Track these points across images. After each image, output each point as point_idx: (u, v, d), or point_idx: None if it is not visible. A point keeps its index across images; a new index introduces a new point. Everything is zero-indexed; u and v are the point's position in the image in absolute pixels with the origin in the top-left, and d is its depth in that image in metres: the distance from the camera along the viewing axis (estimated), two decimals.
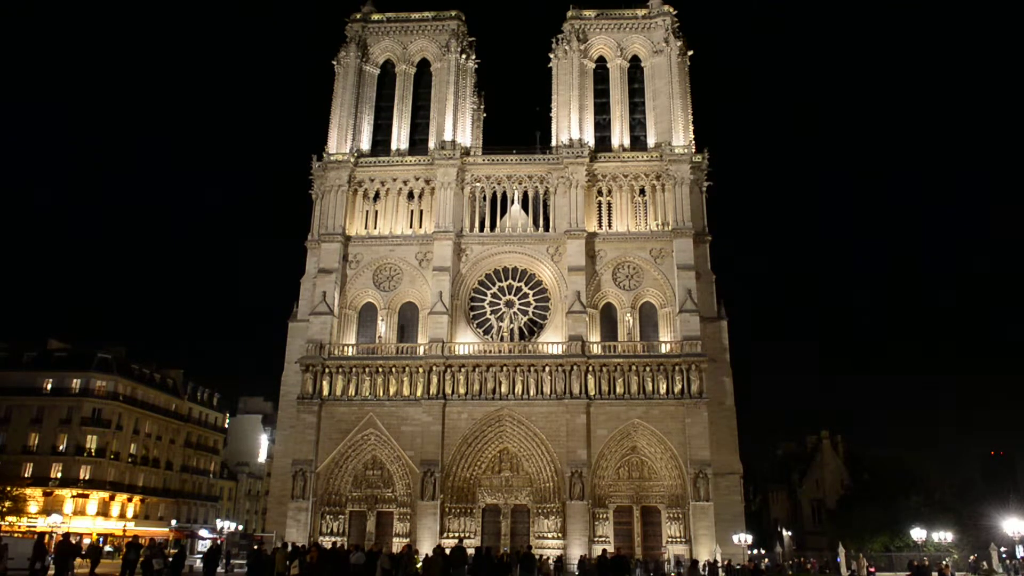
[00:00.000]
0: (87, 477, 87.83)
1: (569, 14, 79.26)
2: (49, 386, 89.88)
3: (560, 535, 62.88)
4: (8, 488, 75.32)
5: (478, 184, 74.60)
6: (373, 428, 66.37)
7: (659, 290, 70.10)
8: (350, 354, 69.15)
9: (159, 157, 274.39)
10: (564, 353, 66.82)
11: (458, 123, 76.19)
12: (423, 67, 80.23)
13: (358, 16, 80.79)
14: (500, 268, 73.03)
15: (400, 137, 77.91)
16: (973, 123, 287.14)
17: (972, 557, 73.44)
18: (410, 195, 75.06)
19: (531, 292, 72.47)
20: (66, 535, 50.46)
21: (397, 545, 59.06)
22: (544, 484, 65.19)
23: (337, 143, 75.90)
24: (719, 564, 55.42)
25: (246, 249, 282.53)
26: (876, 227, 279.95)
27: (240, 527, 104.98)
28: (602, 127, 76.98)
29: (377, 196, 75.13)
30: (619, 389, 65.88)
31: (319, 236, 73.55)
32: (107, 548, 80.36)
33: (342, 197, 73.68)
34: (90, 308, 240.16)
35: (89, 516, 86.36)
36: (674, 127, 74.40)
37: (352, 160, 74.50)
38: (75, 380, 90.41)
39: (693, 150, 74.50)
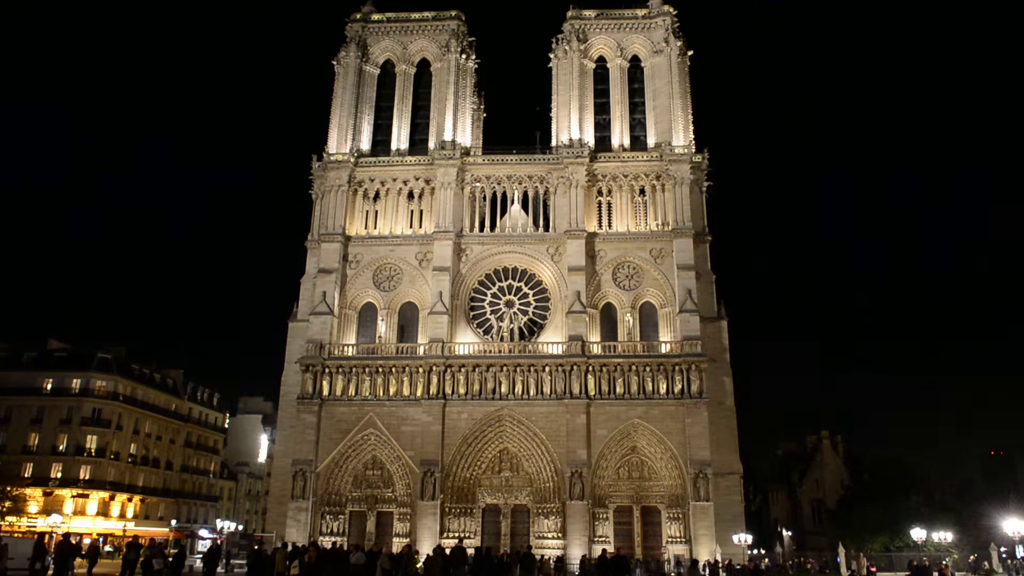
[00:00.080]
0: (87, 477, 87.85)
1: (569, 14, 79.25)
2: (49, 386, 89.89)
3: (560, 535, 62.88)
4: (8, 488, 75.34)
5: (478, 184, 74.61)
6: (373, 428, 66.37)
7: (659, 290, 70.10)
8: (350, 354, 69.15)
9: (159, 157, 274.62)
10: (564, 353, 66.82)
11: (458, 123, 76.19)
12: (423, 67, 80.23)
13: (358, 16, 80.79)
14: (500, 268, 73.03)
15: (400, 137, 77.92)
16: (973, 123, 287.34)
17: (972, 557, 73.46)
18: (410, 195, 75.07)
19: (531, 292, 72.47)
20: (66, 535, 50.45)
21: (397, 545, 59.05)
22: (544, 484, 65.19)
23: (337, 143, 75.91)
24: (720, 564, 55.42)
25: (246, 249, 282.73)
26: (876, 227, 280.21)
27: (240, 527, 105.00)
28: (602, 127, 76.97)
29: (377, 196, 75.14)
30: (619, 389, 65.88)
31: (319, 236, 73.56)
32: (107, 548, 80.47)
33: (342, 197, 73.69)
34: (90, 308, 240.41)
35: (89, 516, 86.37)
36: (674, 127, 74.40)
37: (352, 160, 74.50)
38: (75, 380, 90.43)
39: (693, 150, 74.50)
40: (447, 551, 36.73)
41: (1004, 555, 66.66)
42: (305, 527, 63.43)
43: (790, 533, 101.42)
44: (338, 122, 76.65)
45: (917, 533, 71.11)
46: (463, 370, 67.10)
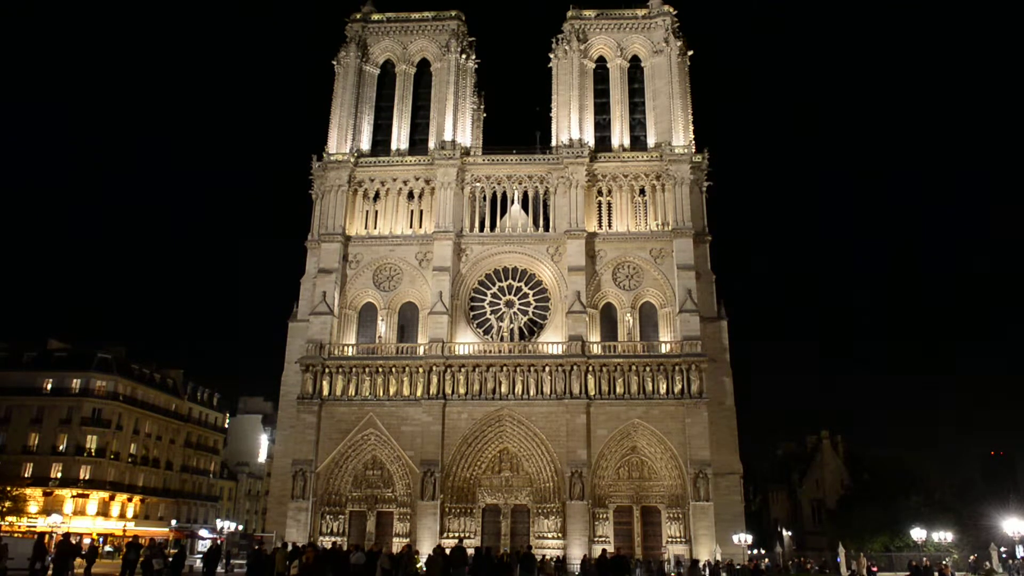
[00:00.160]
0: (87, 477, 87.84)
1: (569, 14, 79.25)
2: (49, 386, 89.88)
3: (560, 535, 62.89)
4: (8, 488, 75.34)
5: (478, 184, 74.61)
6: (373, 428, 66.37)
7: (659, 290, 70.10)
8: (350, 354, 69.15)
9: (159, 157, 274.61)
10: (564, 353, 66.82)
11: (458, 123, 76.20)
12: (423, 67, 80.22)
13: (358, 16, 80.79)
14: (500, 268, 73.03)
15: (400, 137, 77.92)
16: (973, 123, 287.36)
17: (972, 557, 73.48)
18: (410, 195, 75.07)
19: (531, 292, 72.47)
20: (66, 535, 50.44)
21: (397, 545, 59.02)
22: (544, 484, 65.19)
23: (337, 143, 75.91)
24: (721, 564, 55.43)
25: (246, 249, 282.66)
26: (876, 227, 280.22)
27: (240, 527, 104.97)
28: (602, 127, 76.98)
29: (377, 196, 75.14)
30: (619, 389, 65.89)
31: (319, 236, 73.56)
32: (107, 548, 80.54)
33: (342, 197, 73.69)
34: (90, 308, 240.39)
35: (89, 516, 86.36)
36: (674, 127, 74.40)
37: (352, 160, 74.50)
38: (75, 380, 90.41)
39: (693, 150, 74.51)
40: (447, 551, 36.72)
41: (1004, 555, 66.66)
42: (305, 527, 63.43)
43: (790, 533, 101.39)
44: (338, 122, 76.66)
45: (917, 533, 71.11)
46: (463, 370, 67.10)
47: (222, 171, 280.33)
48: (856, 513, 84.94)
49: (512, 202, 74.45)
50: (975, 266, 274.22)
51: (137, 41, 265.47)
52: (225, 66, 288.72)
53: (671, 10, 78.76)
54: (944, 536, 71.92)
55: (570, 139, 74.19)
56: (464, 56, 78.81)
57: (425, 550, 51.51)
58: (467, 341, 69.72)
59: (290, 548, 40.00)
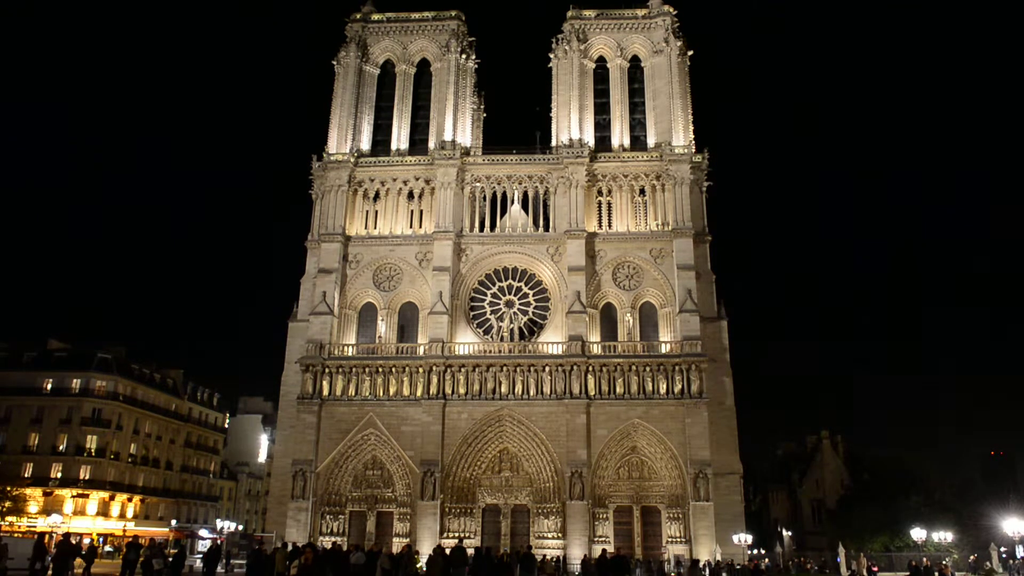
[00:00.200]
0: (87, 477, 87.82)
1: (569, 14, 79.26)
2: (49, 386, 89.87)
3: (560, 535, 62.90)
4: (8, 488, 75.32)
5: (478, 184, 74.61)
6: (373, 428, 66.38)
7: (659, 290, 70.11)
8: (350, 354, 69.16)
9: (159, 157, 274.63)
10: (564, 353, 66.82)
11: (458, 123, 76.20)
12: (423, 67, 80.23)
13: (358, 16, 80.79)
14: (500, 268, 73.04)
15: (400, 137, 77.93)
16: (973, 123, 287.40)
17: (972, 557, 73.48)
18: (410, 195, 75.08)
19: (531, 292, 72.47)
20: (66, 535, 50.44)
21: (397, 545, 59.03)
22: (544, 484, 65.20)
23: (337, 143, 75.92)
24: (722, 564, 55.43)
25: (246, 249, 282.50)
26: (876, 227, 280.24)
27: (240, 527, 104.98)
28: (602, 127, 76.99)
29: (377, 196, 75.15)
30: (619, 389, 65.89)
31: (319, 236, 73.57)
32: (107, 548, 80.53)
33: (342, 197, 73.70)
34: (90, 308, 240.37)
35: (89, 516, 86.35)
36: (674, 127, 74.41)
37: (352, 160, 74.51)
38: (75, 380, 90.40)
39: (693, 150, 74.52)
40: (447, 551, 36.72)
41: (1004, 555, 66.65)
42: (305, 527, 63.43)
43: (790, 533, 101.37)
44: (338, 122, 76.67)
45: (917, 533, 71.10)
46: (463, 370, 67.11)
47: (222, 171, 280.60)
48: (856, 513, 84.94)
49: (512, 202, 74.45)
50: (975, 266, 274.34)
51: (137, 41, 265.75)
52: (225, 66, 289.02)
53: (671, 10, 78.77)
54: (944, 536, 71.91)
55: (570, 139, 74.19)
56: (464, 56, 78.81)
57: (425, 550, 51.54)
58: (467, 341, 69.72)
59: (290, 548, 39.97)
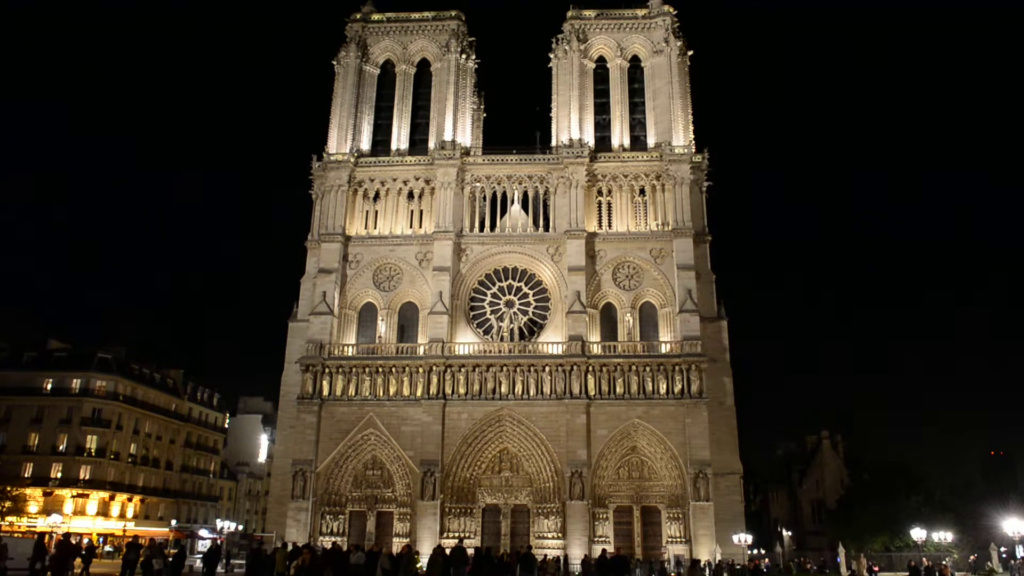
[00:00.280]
0: (87, 477, 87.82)
1: (569, 14, 79.26)
2: (49, 386, 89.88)
3: (560, 535, 62.91)
4: (8, 488, 75.30)
5: (478, 184, 74.63)
6: (373, 428, 66.38)
7: (659, 290, 70.12)
8: (350, 354, 69.16)
9: (159, 157, 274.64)
10: (564, 353, 66.83)
11: (458, 123, 76.21)
12: (423, 67, 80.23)
13: (358, 16, 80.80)
14: (500, 268, 73.05)
15: (400, 137, 77.93)
16: (973, 123, 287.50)
17: (972, 557, 73.49)
18: (410, 195, 75.09)
19: (531, 292, 72.48)
20: (66, 535, 50.47)
21: (397, 545, 59.03)
22: (544, 484, 65.20)
23: (337, 143, 75.93)
24: (722, 564, 55.44)
25: (246, 249, 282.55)
26: (876, 226, 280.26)
27: (240, 527, 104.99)
28: (602, 127, 77.00)
29: (377, 196, 75.15)
30: (619, 389, 65.90)
31: (319, 236, 73.58)
32: (107, 548, 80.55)
33: (342, 197, 73.71)
34: (90, 308, 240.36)
35: (89, 516, 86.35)
36: (674, 127, 74.42)
37: (352, 160, 74.51)
38: (75, 380, 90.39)
39: (693, 150, 74.53)
40: (447, 551, 36.74)
41: (1004, 555, 66.64)
42: (305, 527, 63.44)
43: (790, 533, 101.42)
44: (338, 122, 76.67)
45: (917, 533, 71.08)
46: (463, 370, 67.12)
47: (222, 171, 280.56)
48: (856, 513, 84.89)
49: (512, 202, 74.46)
50: (975, 266, 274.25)
51: (137, 41, 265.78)
52: (225, 66, 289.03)
53: (671, 10, 78.78)
54: (944, 536, 71.90)
55: (570, 139, 74.20)
56: (464, 56, 78.82)
57: (425, 550, 51.58)
58: (467, 341, 69.73)
59: (290, 548, 40.05)
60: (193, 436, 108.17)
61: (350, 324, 71.51)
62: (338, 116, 76.86)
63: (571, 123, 74.98)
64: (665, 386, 65.46)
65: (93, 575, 39.97)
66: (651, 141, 75.36)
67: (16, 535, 66.70)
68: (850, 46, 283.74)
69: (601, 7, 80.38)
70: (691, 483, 62.61)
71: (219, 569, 45.64)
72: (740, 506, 67.45)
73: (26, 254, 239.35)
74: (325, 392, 67.25)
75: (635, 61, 79.07)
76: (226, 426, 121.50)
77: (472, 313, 72.11)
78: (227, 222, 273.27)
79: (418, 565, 45.62)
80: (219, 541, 74.75)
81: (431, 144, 76.05)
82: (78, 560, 39.28)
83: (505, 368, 67.05)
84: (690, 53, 78.76)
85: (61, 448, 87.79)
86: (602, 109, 77.50)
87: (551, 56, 78.68)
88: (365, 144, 77.28)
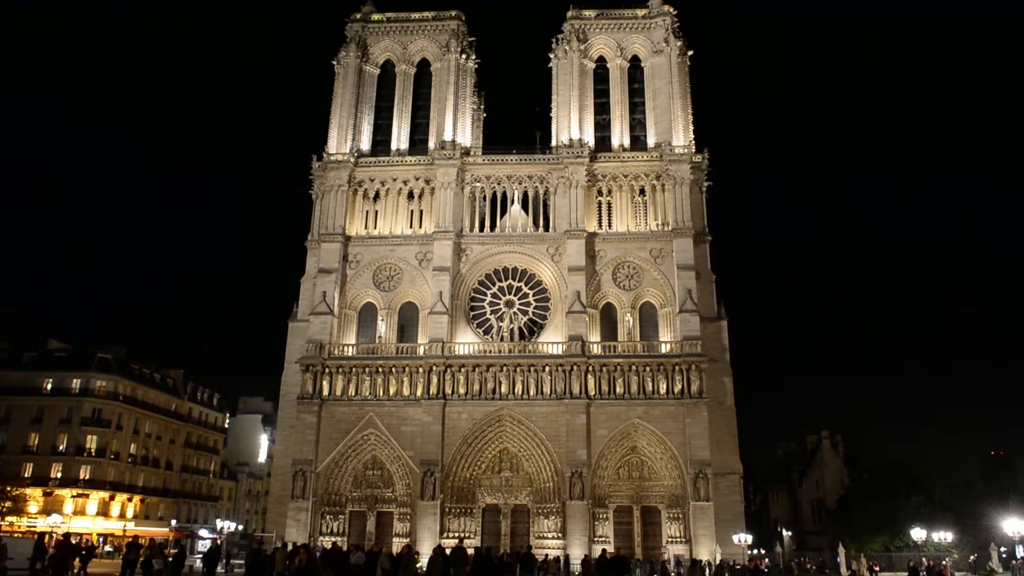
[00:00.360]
0: (87, 477, 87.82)
1: (569, 14, 79.27)
2: (49, 386, 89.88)
3: (560, 535, 62.91)
4: (8, 488, 75.32)
5: (478, 184, 74.63)
6: (373, 428, 66.38)
7: (659, 290, 70.13)
8: (350, 354, 69.16)
9: (159, 157, 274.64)
10: (564, 353, 66.83)
11: (458, 123, 76.21)
12: (423, 67, 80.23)
13: (358, 16, 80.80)
14: (500, 268, 73.05)
15: (400, 137, 77.94)
16: (973, 123, 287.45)
17: (972, 557, 73.48)
18: (410, 195, 75.09)
19: (531, 292, 72.49)
20: (66, 535, 50.47)
21: (397, 545, 59.04)
22: (544, 484, 65.21)
23: (337, 143, 75.93)
24: (723, 564, 55.43)
25: (246, 249, 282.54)
26: (876, 226, 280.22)
27: (240, 527, 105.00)
28: (602, 127, 77.00)
29: (377, 196, 75.16)
30: (619, 389, 65.90)
31: (319, 236, 73.58)
32: (107, 548, 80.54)
33: (342, 197, 73.71)
34: (90, 308, 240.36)
35: (89, 516, 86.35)
36: (674, 127, 74.43)
37: (352, 160, 74.52)
38: (75, 380, 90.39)
39: (693, 150, 74.54)
40: (447, 551, 36.74)
41: (1004, 555, 66.64)
42: (305, 527, 63.45)
43: (790, 533, 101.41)
44: (338, 122, 76.68)
45: (917, 533, 71.09)
46: (463, 370, 67.12)
47: (222, 171, 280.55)
48: (856, 513, 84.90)
49: (512, 202, 74.47)
50: (975, 266, 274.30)
51: (137, 41, 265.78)
52: (225, 66, 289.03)
53: (671, 10, 78.78)
54: (944, 536, 71.90)
55: (570, 139, 74.21)
56: (464, 56, 78.82)
57: (425, 550, 51.58)
58: (467, 341, 69.73)
59: (290, 548, 40.05)
60: (193, 436, 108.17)
61: (350, 324, 71.51)
62: (338, 116, 76.87)
63: (571, 123, 74.99)
64: (665, 386, 65.47)
65: (93, 575, 39.95)
66: (651, 141, 75.36)
67: (16, 535, 66.68)
68: (850, 46, 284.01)
69: (601, 7, 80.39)
70: (691, 483, 62.62)
71: (219, 569, 45.64)
72: (740, 506, 67.46)
73: (26, 254, 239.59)
74: (325, 392, 67.25)
75: (635, 61, 79.07)
76: (226, 426, 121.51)
77: (472, 313, 72.11)
78: (227, 222, 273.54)
79: (418, 565, 45.64)
80: (219, 541, 74.77)
81: (431, 144, 76.05)
82: (76, 560, 39.30)
83: (505, 368, 67.05)
84: (690, 53, 78.79)
85: (61, 448, 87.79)
86: (602, 109, 77.51)
87: (551, 56, 78.68)
88: (365, 144, 77.29)
